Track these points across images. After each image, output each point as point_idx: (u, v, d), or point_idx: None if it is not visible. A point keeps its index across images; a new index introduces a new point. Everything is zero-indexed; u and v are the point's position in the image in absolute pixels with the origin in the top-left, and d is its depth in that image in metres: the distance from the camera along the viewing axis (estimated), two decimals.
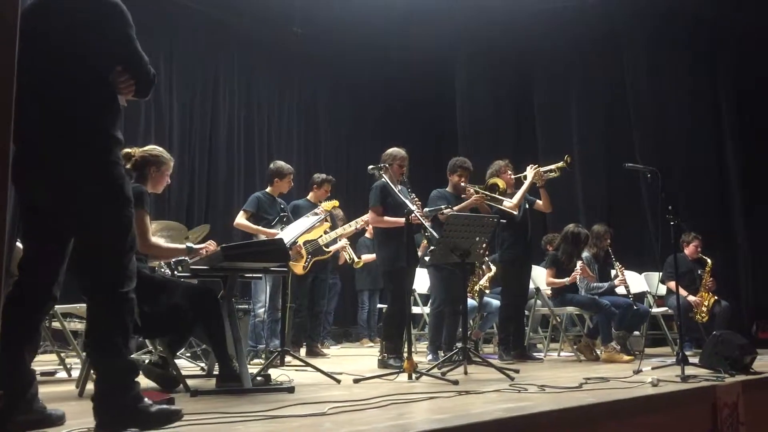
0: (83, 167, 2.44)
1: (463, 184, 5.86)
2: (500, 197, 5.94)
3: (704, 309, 7.01)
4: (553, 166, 6.23)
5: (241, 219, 6.17)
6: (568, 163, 6.21)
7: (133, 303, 2.49)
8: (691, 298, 7.03)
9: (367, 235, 9.16)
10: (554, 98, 9.88)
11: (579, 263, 6.34)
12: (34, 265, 2.56)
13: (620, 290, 6.52)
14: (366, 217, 6.58)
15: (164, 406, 2.44)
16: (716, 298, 7.08)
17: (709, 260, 7.18)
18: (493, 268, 6.60)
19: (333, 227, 6.90)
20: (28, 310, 2.54)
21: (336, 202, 6.75)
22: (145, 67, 2.60)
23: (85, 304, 4.23)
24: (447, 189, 5.98)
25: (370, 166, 5.11)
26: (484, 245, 4.84)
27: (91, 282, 2.49)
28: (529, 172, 6.15)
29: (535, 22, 9.53)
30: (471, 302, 6.18)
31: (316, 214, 6.40)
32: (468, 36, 10.22)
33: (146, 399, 2.42)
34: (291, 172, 6.39)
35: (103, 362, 2.42)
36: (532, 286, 6.63)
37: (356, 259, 7.92)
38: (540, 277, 6.74)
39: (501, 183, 6.03)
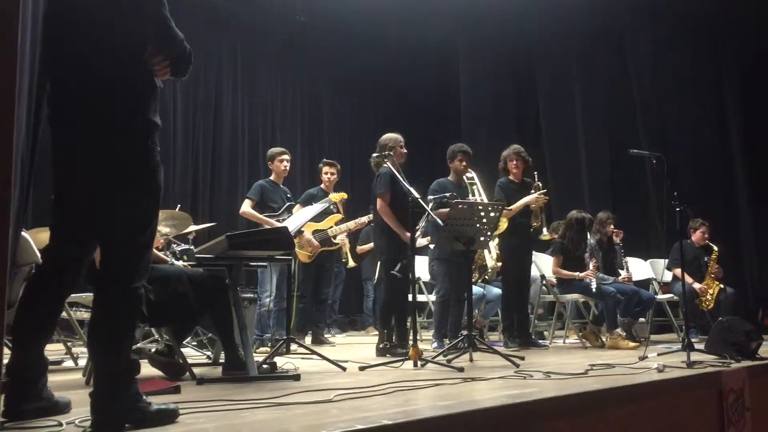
0: (116, 155, 2.36)
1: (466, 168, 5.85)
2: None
3: (710, 296, 6.99)
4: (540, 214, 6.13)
5: (246, 207, 6.20)
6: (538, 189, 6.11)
7: (141, 299, 2.42)
8: (696, 285, 7.01)
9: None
10: (557, 87, 9.83)
11: (591, 264, 6.28)
12: (58, 254, 2.54)
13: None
14: (364, 219, 6.59)
15: (162, 407, 2.36)
16: (722, 286, 7.05)
17: (715, 247, 7.15)
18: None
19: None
20: (48, 298, 2.53)
21: (344, 195, 6.74)
22: (180, 45, 2.52)
23: (89, 293, 4.29)
24: (449, 178, 5.98)
25: (374, 155, 5.11)
26: (488, 233, 4.83)
27: (103, 273, 2.40)
28: (533, 197, 6.01)
29: (538, 11, 9.48)
30: (477, 290, 6.19)
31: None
32: (471, 26, 10.18)
33: (145, 398, 2.35)
34: (282, 152, 6.39)
35: (104, 359, 2.33)
36: (537, 273, 6.64)
37: (351, 263, 7.94)
38: (546, 264, 6.73)
39: (504, 224, 5.91)
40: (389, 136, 5.53)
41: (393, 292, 5.25)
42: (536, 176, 6.16)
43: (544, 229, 6.12)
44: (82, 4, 2.42)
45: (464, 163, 5.92)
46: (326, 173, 6.84)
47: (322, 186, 6.84)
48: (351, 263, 8.17)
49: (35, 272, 2.59)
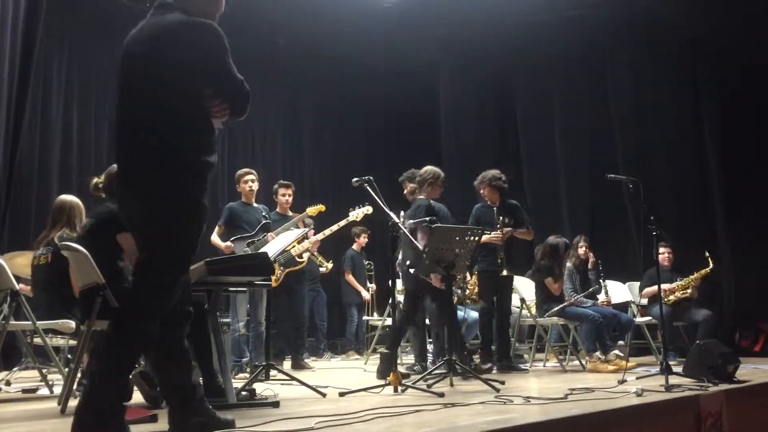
0: (166, 190, 2.52)
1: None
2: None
3: (673, 296, 6.96)
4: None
5: (213, 236, 6.16)
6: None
7: (154, 333, 2.51)
8: (665, 285, 6.96)
9: (354, 246, 9.18)
10: (537, 111, 9.94)
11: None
12: None
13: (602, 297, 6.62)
14: (320, 235, 6.59)
15: None
16: (688, 292, 7.03)
17: (711, 264, 7.10)
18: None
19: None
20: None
21: (322, 207, 6.70)
22: (239, 87, 2.63)
23: (65, 320, 4.28)
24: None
25: (354, 179, 5.10)
26: (469, 257, 4.85)
27: (128, 301, 2.61)
28: (487, 237, 5.91)
29: (518, 35, 9.61)
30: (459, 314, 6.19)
31: (306, 225, 6.39)
32: (452, 49, 10.29)
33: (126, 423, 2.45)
34: (246, 173, 6.38)
35: (106, 382, 2.43)
36: (517, 297, 6.65)
37: (327, 265, 7.85)
38: (525, 288, 6.77)
39: None
40: (432, 171, 5.71)
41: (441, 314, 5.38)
42: (496, 211, 6.14)
43: (504, 271, 6.12)
44: (146, 48, 2.59)
45: (408, 188, 6.10)
46: (283, 195, 6.79)
47: (278, 209, 6.77)
48: (328, 265, 8.07)
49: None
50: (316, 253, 7.49)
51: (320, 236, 6.62)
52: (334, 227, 6.63)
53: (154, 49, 2.57)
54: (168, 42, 2.56)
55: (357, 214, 6.47)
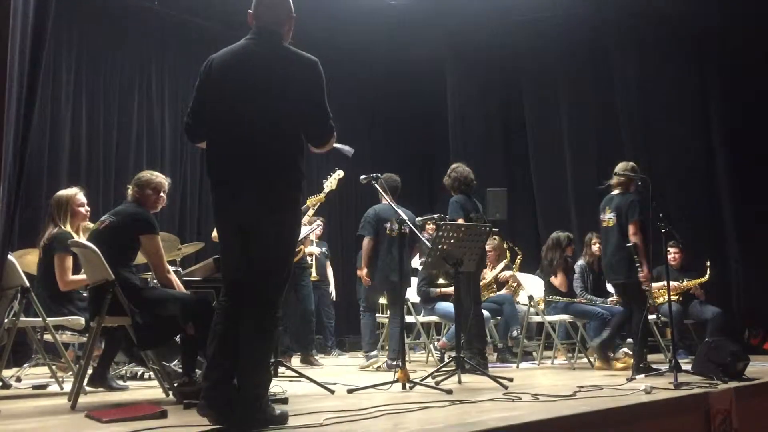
0: (295, 201, 2.91)
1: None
2: None
3: (675, 293, 6.82)
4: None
5: (215, 232, 6.11)
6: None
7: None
8: (656, 285, 6.87)
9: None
10: (544, 109, 9.91)
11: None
12: (234, 284, 2.92)
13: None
14: (318, 231, 6.49)
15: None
16: (677, 297, 6.90)
17: (708, 273, 7.02)
18: None
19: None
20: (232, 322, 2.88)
21: (322, 197, 6.60)
22: (330, 123, 3.03)
23: (75, 317, 4.33)
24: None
25: (363, 177, 5.12)
26: (475, 255, 4.85)
27: (256, 301, 2.86)
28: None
29: (524, 34, 9.58)
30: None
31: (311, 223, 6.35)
32: (458, 48, 10.27)
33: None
34: None
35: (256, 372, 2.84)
36: (525, 294, 6.64)
37: (314, 274, 7.67)
38: (532, 285, 6.75)
39: None
40: (632, 166, 5.88)
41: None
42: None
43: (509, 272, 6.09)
44: (263, 72, 2.96)
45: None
46: None
47: None
48: (315, 276, 7.94)
49: (221, 305, 2.93)
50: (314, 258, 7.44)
51: (305, 219, 6.49)
52: (314, 201, 6.47)
53: (274, 74, 2.95)
54: (284, 71, 2.96)
55: (331, 182, 6.31)
